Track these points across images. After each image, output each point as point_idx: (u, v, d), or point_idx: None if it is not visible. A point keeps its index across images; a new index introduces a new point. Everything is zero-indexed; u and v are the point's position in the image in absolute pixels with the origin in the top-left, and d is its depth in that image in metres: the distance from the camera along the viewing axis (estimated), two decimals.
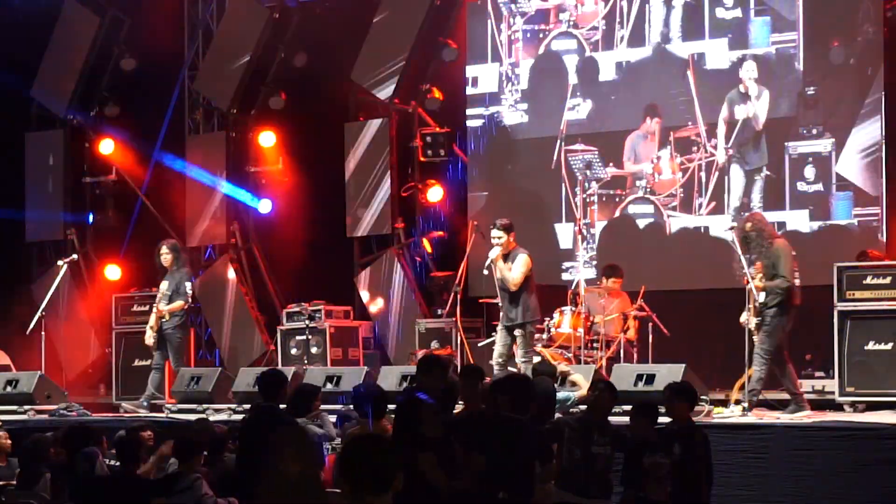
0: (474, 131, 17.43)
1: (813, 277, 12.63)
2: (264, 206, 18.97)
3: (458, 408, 9.76)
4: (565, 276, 16.16)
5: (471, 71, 17.40)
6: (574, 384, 12.12)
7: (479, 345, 14.72)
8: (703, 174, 15.83)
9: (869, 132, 14.88)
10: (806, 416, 11.82)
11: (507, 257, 12.98)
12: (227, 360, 18.45)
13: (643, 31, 16.28)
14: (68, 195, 20.01)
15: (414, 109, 17.87)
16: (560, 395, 11.67)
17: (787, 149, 15.36)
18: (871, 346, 12.56)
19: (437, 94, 17.72)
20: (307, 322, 16.29)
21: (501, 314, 13.19)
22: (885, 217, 14.74)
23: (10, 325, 17.60)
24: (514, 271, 12.89)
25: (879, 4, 14.92)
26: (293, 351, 16.50)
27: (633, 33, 16.34)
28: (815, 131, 15.23)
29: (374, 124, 18.01)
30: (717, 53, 15.79)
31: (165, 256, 15.23)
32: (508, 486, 8.57)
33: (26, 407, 15.15)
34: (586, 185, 16.51)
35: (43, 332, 15.78)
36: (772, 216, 14.20)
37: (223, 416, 13.85)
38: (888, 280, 12.58)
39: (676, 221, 16.01)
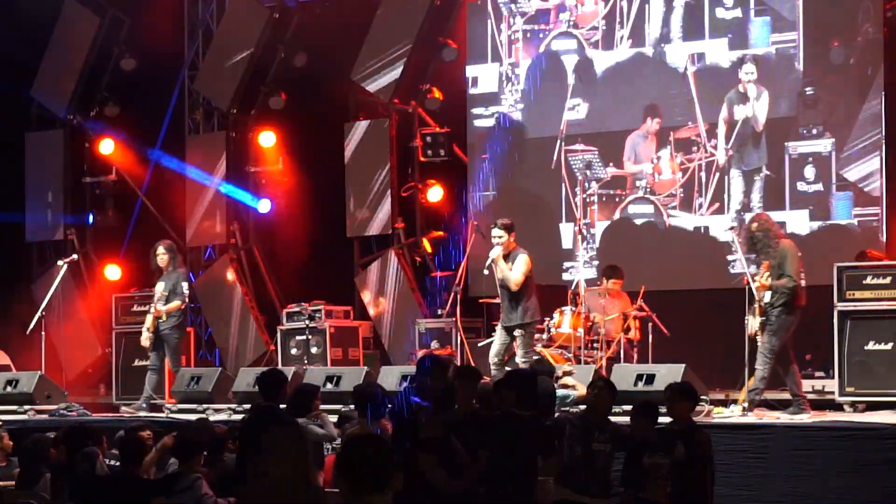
0: (474, 131, 17.42)
1: (813, 277, 12.62)
2: (263, 206, 18.97)
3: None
4: (565, 277, 16.16)
5: (471, 71, 17.40)
6: (566, 386, 12.14)
7: (479, 345, 14.72)
8: (703, 174, 15.83)
9: (869, 132, 14.88)
10: (806, 419, 11.81)
11: (507, 257, 12.98)
12: (227, 360, 18.45)
13: (643, 31, 16.28)
14: (68, 195, 20.01)
15: (414, 109, 17.87)
16: (559, 392, 11.70)
17: (787, 149, 15.36)
18: (871, 346, 12.56)
19: (437, 94, 17.72)
20: (307, 322, 16.29)
21: (501, 314, 13.19)
22: (885, 217, 14.74)
23: (10, 325, 17.60)
24: (515, 271, 12.89)
25: (879, 4, 14.92)
26: (293, 351, 16.50)
27: (633, 33, 16.34)
28: (815, 131, 15.24)
29: (374, 124, 18.01)
30: (717, 53, 15.80)
31: (162, 257, 15.21)
32: (509, 485, 8.58)
33: (26, 407, 15.15)
34: (586, 185, 16.51)
35: (43, 332, 15.78)
36: (772, 216, 14.17)
37: (223, 416, 13.85)
38: (888, 280, 12.58)
39: (676, 221, 16.01)
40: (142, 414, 14.75)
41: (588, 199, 16.52)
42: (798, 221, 15.04)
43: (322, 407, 10.87)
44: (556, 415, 10.82)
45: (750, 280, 12.40)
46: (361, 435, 5.26)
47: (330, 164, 18.12)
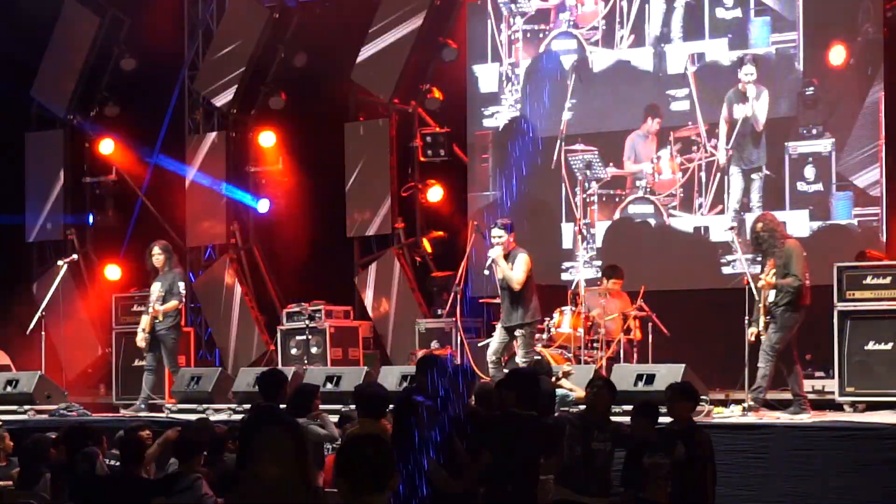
0: (474, 131, 17.43)
1: (813, 277, 12.61)
2: (262, 206, 18.97)
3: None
4: (565, 277, 16.15)
5: (476, 71, 17.39)
6: (560, 388, 12.14)
7: (479, 345, 14.70)
8: (703, 174, 15.83)
9: (869, 132, 14.88)
10: (806, 419, 11.81)
11: (506, 257, 12.98)
12: (227, 360, 18.45)
13: (643, 30, 16.28)
14: (68, 195, 20.01)
15: (414, 109, 17.87)
16: (559, 391, 11.70)
17: (787, 149, 15.36)
18: (871, 346, 12.56)
19: (437, 94, 17.72)
20: (307, 322, 16.29)
21: (502, 314, 13.19)
22: (885, 217, 14.75)
23: (10, 325, 17.60)
24: (516, 271, 12.89)
25: (879, 4, 14.92)
26: (293, 351, 16.49)
27: (633, 33, 16.34)
28: (815, 131, 15.24)
29: (374, 124, 18.01)
30: (717, 53, 15.80)
31: (158, 257, 15.18)
32: (509, 485, 8.58)
33: (26, 407, 15.15)
34: (586, 185, 16.51)
35: (43, 332, 15.78)
36: None
37: (223, 416, 13.85)
38: (888, 280, 12.58)
39: (676, 221, 16.01)
40: (142, 415, 14.74)
41: (588, 199, 16.52)
42: (798, 221, 15.03)
43: (322, 407, 10.86)
44: (556, 414, 10.83)
45: (750, 280, 12.40)
46: (361, 435, 5.26)
47: (330, 164, 18.12)
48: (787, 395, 12.23)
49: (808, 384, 12.92)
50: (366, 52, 17.88)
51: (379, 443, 4.80)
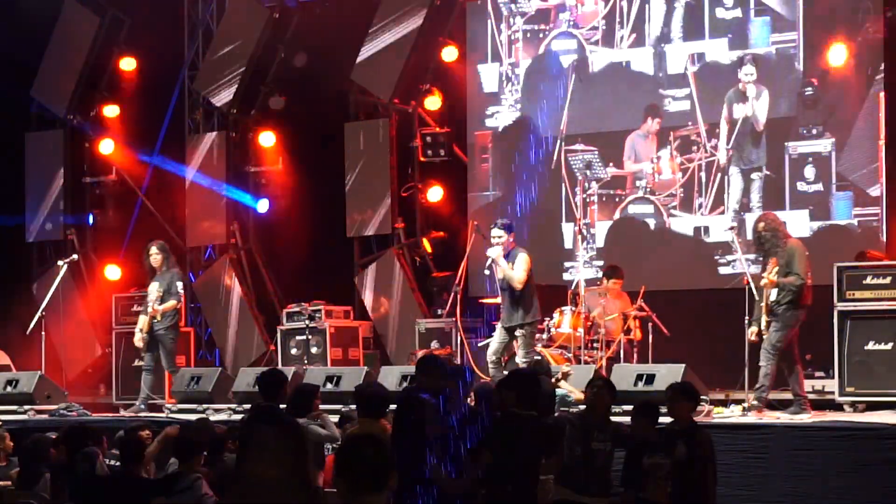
0: (474, 131, 17.43)
1: (813, 277, 12.61)
2: (262, 206, 18.97)
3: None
4: (565, 276, 16.15)
5: (476, 71, 17.39)
6: (559, 388, 12.14)
7: (479, 345, 14.71)
8: (703, 174, 15.83)
9: (869, 132, 14.88)
10: (806, 419, 11.80)
11: (506, 257, 12.99)
12: (227, 360, 18.45)
13: (643, 30, 16.28)
14: (68, 195, 20.01)
15: (414, 109, 17.88)
16: (559, 391, 11.69)
17: (787, 149, 15.36)
18: (871, 346, 12.56)
19: (437, 94, 17.73)
20: (307, 322, 16.29)
21: (502, 314, 13.19)
22: (885, 217, 14.74)
23: (10, 325, 17.60)
24: (517, 270, 12.90)
25: (879, 4, 14.92)
26: (293, 351, 16.49)
27: (633, 33, 16.35)
28: (815, 131, 15.24)
29: (375, 124, 18.02)
30: (717, 53, 15.80)
31: (155, 257, 15.16)
32: (509, 485, 8.58)
33: (26, 407, 15.15)
34: (586, 185, 16.51)
35: (43, 332, 15.78)
36: None
37: (223, 416, 13.85)
38: (888, 280, 12.58)
39: (676, 221, 16.01)
40: (142, 415, 14.73)
41: (588, 199, 16.52)
42: (798, 221, 15.03)
43: (322, 407, 10.86)
44: (556, 414, 10.83)
45: (750, 280, 12.40)
46: (359, 435, 5.25)
47: (330, 164, 18.12)
48: (788, 395, 12.23)
49: (808, 384, 12.92)
50: (366, 52, 17.88)
51: (378, 443, 4.79)
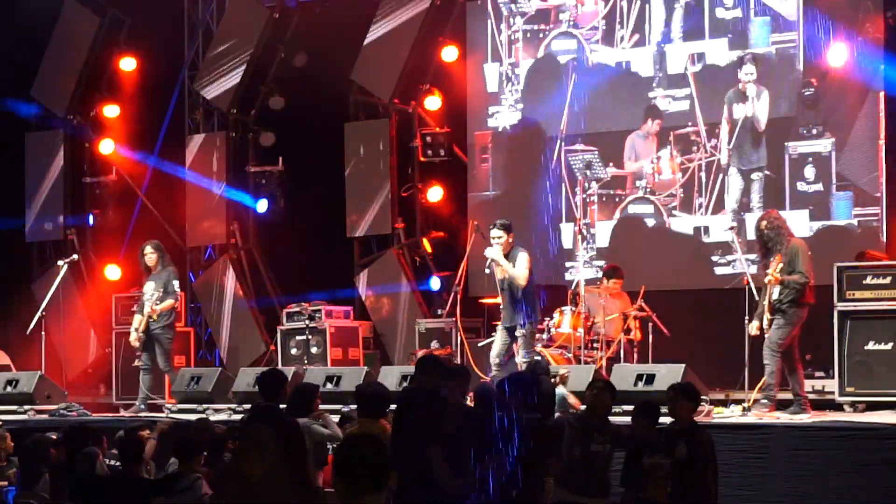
0: (474, 131, 17.42)
1: (813, 277, 12.62)
2: (262, 206, 18.96)
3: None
4: (565, 276, 16.15)
5: (476, 71, 17.38)
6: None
7: (479, 345, 14.71)
8: (703, 174, 15.83)
9: (869, 132, 14.88)
10: (806, 419, 11.80)
11: (506, 256, 12.99)
12: (227, 360, 18.45)
13: (643, 31, 16.28)
14: (68, 195, 20.01)
15: (414, 109, 17.88)
16: (559, 393, 11.68)
17: (787, 149, 15.36)
18: (871, 346, 12.56)
19: (437, 94, 17.73)
20: (307, 322, 16.29)
21: (502, 314, 13.18)
22: (885, 217, 14.74)
23: (10, 325, 17.60)
24: (519, 267, 12.90)
25: (879, 4, 14.92)
26: (293, 351, 16.49)
27: (633, 33, 16.34)
28: (815, 131, 15.23)
29: (375, 124, 18.02)
30: (717, 53, 15.79)
31: (150, 256, 15.16)
32: (511, 486, 8.58)
33: (26, 407, 15.15)
34: (586, 185, 16.51)
35: (43, 332, 15.78)
36: None
37: (223, 416, 13.85)
38: (888, 280, 12.58)
39: (676, 221, 16.01)
40: (142, 415, 14.74)
41: (588, 199, 16.52)
42: (798, 221, 15.00)
43: (322, 407, 10.85)
44: (557, 415, 10.82)
45: (750, 280, 12.40)
46: (358, 435, 5.25)
47: (330, 164, 18.12)
48: (788, 395, 12.23)
49: (808, 384, 12.91)
50: (366, 52, 17.88)
51: (377, 443, 4.80)
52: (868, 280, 12.66)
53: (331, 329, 16.40)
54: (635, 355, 13.99)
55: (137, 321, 15.03)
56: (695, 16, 15.94)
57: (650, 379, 12.36)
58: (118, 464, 9.55)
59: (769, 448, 11.01)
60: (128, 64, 19.63)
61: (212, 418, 12.86)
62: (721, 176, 15.70)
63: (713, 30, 15.86)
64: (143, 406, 15.04)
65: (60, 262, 16.71)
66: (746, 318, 12.35)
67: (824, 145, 15.15)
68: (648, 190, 16.19)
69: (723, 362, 13.49)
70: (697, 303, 15.32)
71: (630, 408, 9.80)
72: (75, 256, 17.92)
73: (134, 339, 15.06)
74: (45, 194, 20.01)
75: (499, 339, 13.14)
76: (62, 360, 18.03)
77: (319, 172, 18.38)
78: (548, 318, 14.02)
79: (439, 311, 16.51)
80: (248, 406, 13.19)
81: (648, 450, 8.93)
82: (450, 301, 14.78)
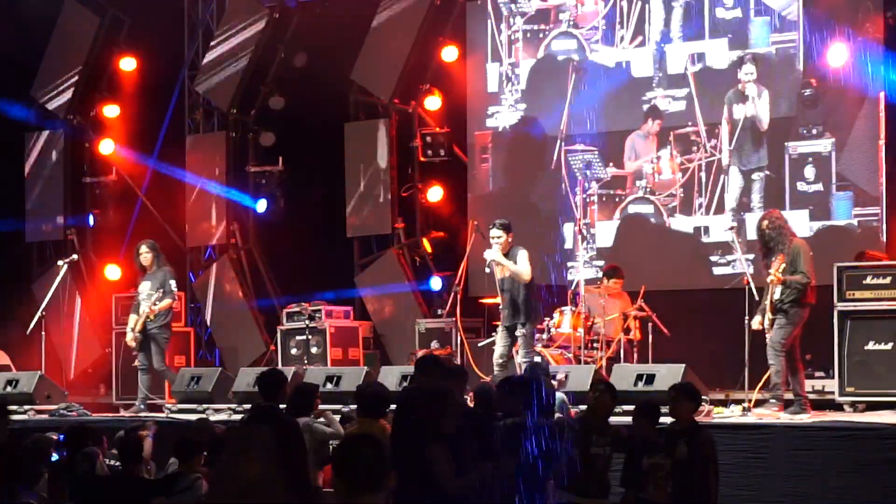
0: (474, 131, 17.42)
1: (814, 277, 12.62)
2: (262, 206, 18.96)
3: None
4: (566, 276, 16.14)
5: (476, 71, 17.38)
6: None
7: (479, 345, 14.72)
8: (703, 174, 15.83)
9: (869, 132, 14.88)
10: (806, 419, 11.81)
11: (506, 256, 12.99)
12: (227, 360, 18.44)
13: (643, 31, 16.28)
14: (68, 195, 20.01)
15: (414, 109, 17.88)
16: (559, 394, 11.67)
17: (787, 149, 15.36)
18: (871, 346, 12.56)
19: (437, 94, 17.73)
20: (307, 322, 16.29)
21: (503, 314, 13.18)
22: (885, 217, 14.74)
23: (10, 325, 17.60)
24: (521, 264, 12.90)
25: (879, 4, 14.92)
26: (293, 351, 16.49)
27: (633, 33, 16.34)
28: (815, 131, 15.24)
29: (375, 124, 18.02)
30: (717, 53, 15.79)
31: (146, 256, 15.16)
32: (512, 486, 8.57)
33: (26, 407, 15.15)
34: (586, 185, 16.51)
35: (43, 332, 15.79)
36: None
37: (223, 416, 13.85)
38: (888, 280, 12.58)
39: (676, 221, 16.01)
40: (142, 415, 14.73)
41: (588, 199, 16.51)
42: (798, 221, 14.98)
43: (322, 407, 10.85)
44: (557, 416, 10.82)
45: (750, 280, 12.40)
46: (357, 435, 5.25)
47: (330, 164, 18.12)
48: (788, 395, 12.23)
49: (808, 384, 12.92)
50: (366, 51, 17.88)
51: (376, 443, 4.80)
52: (868, 280, 12.66)
53: (331, 329, 16.40)
54: (635, 355, 13.99)
55: (133, 321, 15.02)
56: (695, 16, 15.95)
57: (650, 379, 12.36)
58: (118, 464, 9.54)
59: (769, 448, 11.01)
60: (128, 64, 19.63)
61: (212, 418, 12.86)
62: (721, 176, 15.70)
63: (713, 30, 15.86)
64: (142, 406, 15.04)
65: (60, 263, 16.71)
66: (746, 317, 12.35)
67: (824, 145, 15.15)
68: (648, 190, 16.19)
69: (723, 362, 13.50)
70: (697, 303, 15.32)
71: (630, 408, 9.80)
72: (75, 256, 17.92)
73: (130, 339, 15.06)
74: (46, 194, 20.01)
75: (500, 339, 13.13)
76: (62, 360, 18.05)
77: (319, 172, 18.38)
78: (548, 318, 14.02)
79: (439, 311, 16.51)
80: (248, 406, 13.20)
81: (649, 450, 8.92)
82: (450, 301, 14.77)
